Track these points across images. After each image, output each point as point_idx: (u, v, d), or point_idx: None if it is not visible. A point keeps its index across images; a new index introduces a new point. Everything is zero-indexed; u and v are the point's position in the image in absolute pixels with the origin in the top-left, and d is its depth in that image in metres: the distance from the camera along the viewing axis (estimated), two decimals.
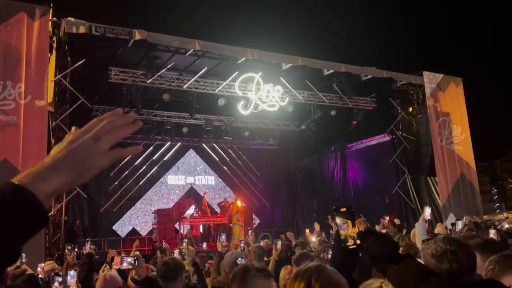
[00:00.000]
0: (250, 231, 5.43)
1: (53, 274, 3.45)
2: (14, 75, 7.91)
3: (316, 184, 17.13)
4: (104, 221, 14.40)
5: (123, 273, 3.50)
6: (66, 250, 6.68)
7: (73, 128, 0.84)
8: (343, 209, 1.60)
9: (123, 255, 3.59)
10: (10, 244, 0.69)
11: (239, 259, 3.82)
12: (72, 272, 3.64)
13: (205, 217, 14.00)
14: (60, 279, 3.30)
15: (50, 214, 8.77)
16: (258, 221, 16.53)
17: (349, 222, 1.57)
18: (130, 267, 3.06)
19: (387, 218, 8.54)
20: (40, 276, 4.99)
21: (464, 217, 8.56)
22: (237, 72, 12.05)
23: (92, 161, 0.78)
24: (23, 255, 5.71)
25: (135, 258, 3.02)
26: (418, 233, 5.10)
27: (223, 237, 5.23)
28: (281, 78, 12.59)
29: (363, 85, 13.40)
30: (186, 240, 6.45)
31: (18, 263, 5.50)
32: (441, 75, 13.68)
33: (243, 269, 2.06)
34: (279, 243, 5.31)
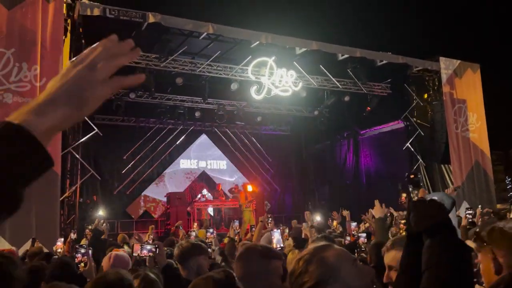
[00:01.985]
0: (270, 218, 5.49)
1: (77, 246, 3.51)
2: (29, 57, 7.95)
3: (328, 170, 17.08)
4: (117, 203, 14.59)
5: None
6: (86, 230, 6.81)
7: (69, 62, 0.78)
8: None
9: (144, 241, 3.63)
10: (8, 187, 0.63)
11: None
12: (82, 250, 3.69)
13: (216, 201, 14.08)
14: (83, 250, 3.35)
15: (65, 195, 8.92)
16: (269, 206, 16.58)
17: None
18: (151, 254, 3.10)
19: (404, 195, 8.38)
20: (59, 250, 5.06)
21: (479, 206, 8.43)
22: (250, 57, 11.95)
23: (89, 91, 0.73)
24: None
25: (156, 246, 3.05)
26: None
27: (236, 223, 5.25)
28: (294, 62, 12.45)
29: (378, 71, 13.18)
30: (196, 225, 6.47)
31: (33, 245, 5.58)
32: (458, 61, 13.40)
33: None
34: (286, 230, 5.39)
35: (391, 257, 2.01)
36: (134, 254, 3.32)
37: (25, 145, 0.66)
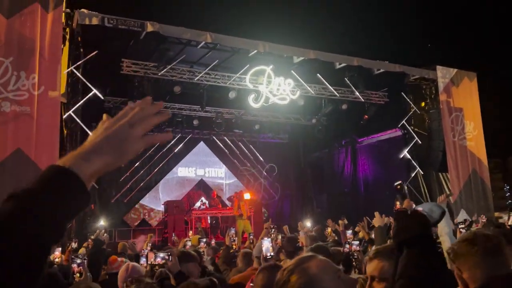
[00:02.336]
0: (273, 229, 5.54)
1: (73, 256, 3.53)
2: (27, 65, 7.97)
3: (326, 178, 17.08)
4: (114, 212, 14.55)
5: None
6: (89, 240, 6.78)
7: (104, 116, 0.91)
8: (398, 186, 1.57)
9: (155, 251, 3.71)
10: (58, 221, 0.73)
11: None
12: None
13: (214, 209, 14.05)
14: (79, 260, 3.38)
15: None
16: (267, 214, 16.55)
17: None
18: (164, 261, 3.16)
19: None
20: (56, 260, 5.02)
21: (476, 216, 8.40)
22: (248, 65, 12.00)
23: (128, 144, 0.85)
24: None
25: (169, 254, 3.16)
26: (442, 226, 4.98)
27: (232, 231, 5.24)
28: (292, 71, 12.50)
29: (375, 79, 13.25)
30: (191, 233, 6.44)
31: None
32: (455, 70, 13.47)
33: None
34: (279, 237, 5.38)
35: (373, 267, 1.98)
36: (148, 262, 3.39)
37: (73, 187, 0.76)
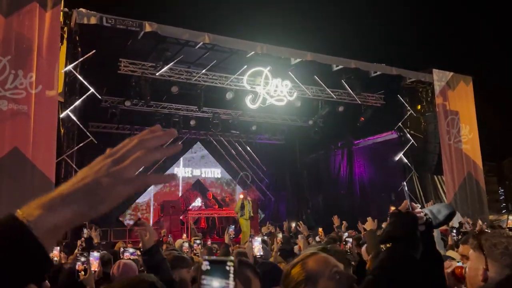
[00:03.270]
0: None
1: (77, 254, 3.46)
2: (25, 64, 7.97)
3: (322, 179, 17.12)
4: (109, 211, 14.49)
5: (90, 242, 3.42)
6: (82, 238, 6.76)
7: (107, 151, 0.71)
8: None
9: (124, 246, 3.61)
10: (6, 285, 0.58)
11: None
12: (95, 253, 3.67)
13: (210, 209, 14.05)
14: (83, 259, 3.30)
15: None
16: (263, 215, 16.58)
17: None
18: (134, 258, 3.08)
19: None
20: (55, 259, 4.99)
21: (472, 219, 8.45)
22: (246, 66, 12.02)
23: (109, 190, 0.67)
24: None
25: (139, 248, 3.03)
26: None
27: (231, 229, 5.24)
28: (289, 72, 12.53)
29: (372, 82, 13.30)
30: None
31: None
32: (451, 73, 13.55)
33: None
34: (280, 235, 5.41)
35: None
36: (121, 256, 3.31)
37: (26, 247, 0.60)
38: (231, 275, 0.75)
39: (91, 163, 0.69)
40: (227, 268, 0.76)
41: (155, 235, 2.93)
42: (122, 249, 3.12)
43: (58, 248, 5.38)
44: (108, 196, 0.68)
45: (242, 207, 12.05)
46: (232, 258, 0.76)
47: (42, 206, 0.64)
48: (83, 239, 6.79)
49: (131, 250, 3.09)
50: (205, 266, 0.76)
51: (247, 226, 11.89)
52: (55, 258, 4.96)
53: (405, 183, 1.67)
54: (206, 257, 0.76)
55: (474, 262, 1.75)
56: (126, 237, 13.78)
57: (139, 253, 3.01)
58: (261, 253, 3.84)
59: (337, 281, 1.40)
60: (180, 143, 0.67)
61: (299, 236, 5.89)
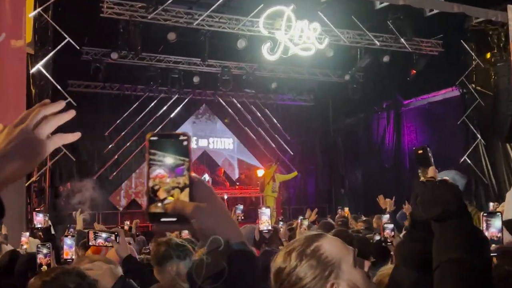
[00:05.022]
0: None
1: (38, 245, 3.52)
2: None
3: (361, 150, 17.13)
4: (98, 191, 14.84)
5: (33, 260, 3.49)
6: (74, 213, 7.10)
7: (0, 125, 1.02)
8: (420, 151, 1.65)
9: (95, 230, 3.63)
10: None
11: None
12: (69, 241, 3.80)
13: (218, 188, 14.25)
14: (45, 250, 3.33)
15: (32, 179, 9.10)
16: (287, 195, 16.73)
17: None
18: (109, 245, 3.13)
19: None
20: (24, 247, 5.29)
21: None
22: (262, 5, 11.90)
23: (35, 147, 0.99)
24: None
25: (116, 234, 3.11)
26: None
27: (239, 210, 5.32)
28: (319, 12, 12.37)
29: (427, 23, 13.14)
30: None
31: None
32: None
33: None
34: (306, 222, 5.50)
35: None
36: (90, 243, 3.32)
37: None
38: (187, 152, 0.91)
39: (7, 130, 0.99)
40: (183, 143, 0.91)
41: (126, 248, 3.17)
42: (93, 234, 3.14)
43: (27, 234, 5.66)
44: (38, 151, 1.00)
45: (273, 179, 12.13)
46: (187, 132, 0.95)
47: None
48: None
49: (104, 235, 3.13)
50: (153, 137, 0.90)
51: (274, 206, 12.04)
52: (24, 246, 5.29)
53: (427, 146, 1.69)
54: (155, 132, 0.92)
55: None
56: (118, 221, 14.15)
57: (113, 238, 3.09)
58: (269, 227, 4.01)
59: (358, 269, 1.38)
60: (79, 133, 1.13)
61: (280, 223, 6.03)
